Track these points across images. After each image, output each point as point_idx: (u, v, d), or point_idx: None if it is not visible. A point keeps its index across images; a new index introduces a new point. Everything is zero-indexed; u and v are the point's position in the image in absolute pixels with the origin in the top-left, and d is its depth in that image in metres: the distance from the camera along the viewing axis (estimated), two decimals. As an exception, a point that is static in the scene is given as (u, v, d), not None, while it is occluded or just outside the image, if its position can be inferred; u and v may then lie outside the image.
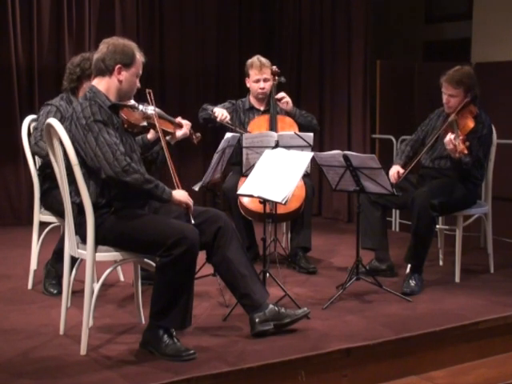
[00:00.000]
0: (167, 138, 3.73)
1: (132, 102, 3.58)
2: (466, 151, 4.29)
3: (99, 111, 3.34)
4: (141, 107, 3.60)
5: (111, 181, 3.31)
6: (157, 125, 3.61)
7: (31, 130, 4.40)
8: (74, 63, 4.27)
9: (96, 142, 3.28)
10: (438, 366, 3.68)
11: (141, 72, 3.53)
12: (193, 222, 3.45)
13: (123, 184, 3.31)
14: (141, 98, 3.73)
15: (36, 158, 4.36)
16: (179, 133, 3.77)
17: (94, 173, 3.32)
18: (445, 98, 4.64)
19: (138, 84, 3.54)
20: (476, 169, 4.63)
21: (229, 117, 4.95)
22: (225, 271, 3.58)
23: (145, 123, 3.57)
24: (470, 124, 4.51)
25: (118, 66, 3.42)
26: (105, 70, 3.44)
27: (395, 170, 4.71)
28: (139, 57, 3.49)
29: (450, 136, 4.34)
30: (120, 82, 3.44)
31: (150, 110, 3.62)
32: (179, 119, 3.81)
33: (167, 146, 3.65)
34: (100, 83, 3.46)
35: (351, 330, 3.71)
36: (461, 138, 4.31)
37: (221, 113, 4.91)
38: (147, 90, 3.66)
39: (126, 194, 3.40)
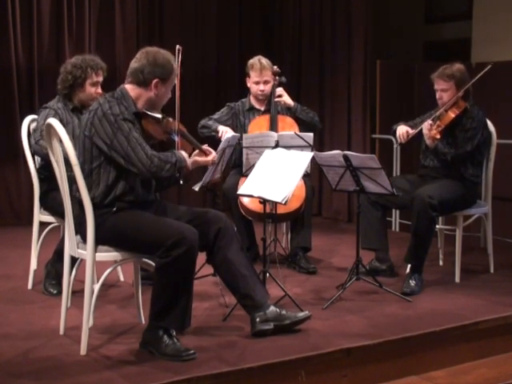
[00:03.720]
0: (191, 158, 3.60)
1: (158, 115, 3.51)
2: (438, 136, 4.37)
3: (126, 111, 3.35)
4: (164, 121, 3.52)
5: (147, 178, 3.44)
6: (177, 144, 3.53)
7: (31, 131, 4.39)
8: (66, 69, 4.24)
9: (128, 142, 3.28)
10: (438, 366, 3.67)
11: (175, 83, 3.51)
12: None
13: (161, 178, 3.49)
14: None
15: (36, 158, 4.36)
16: (201, 159, 3.61)
17: (105, 171, 3.34)
18: (437, 94, 4.65)
19: (169, 94, 3.53)
20: (472, 165, 4.63)
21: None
22: (225, 272, 3.58)
23: (163, 138, 3.53)
24: (451, 114, 4.53)
25: (156, 80, 3.40)
26: (142, 82, 3.42)
27: (404, 129, 4.66)
28: (175, 68, 3.48)
29: (428, 122, 4.40)
30: (156, 95, 3.44)
31: (174, 127, 3.54)
32: (206, 146, 3.66)
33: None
34: (132, 90, 3.44)
35: (351, 330, 3.71)
36: (436, 125, 4.36)
37: (225, 131, 4.89)
38: (177, 47, 3.52)
39: (130, 196, 3.41)
